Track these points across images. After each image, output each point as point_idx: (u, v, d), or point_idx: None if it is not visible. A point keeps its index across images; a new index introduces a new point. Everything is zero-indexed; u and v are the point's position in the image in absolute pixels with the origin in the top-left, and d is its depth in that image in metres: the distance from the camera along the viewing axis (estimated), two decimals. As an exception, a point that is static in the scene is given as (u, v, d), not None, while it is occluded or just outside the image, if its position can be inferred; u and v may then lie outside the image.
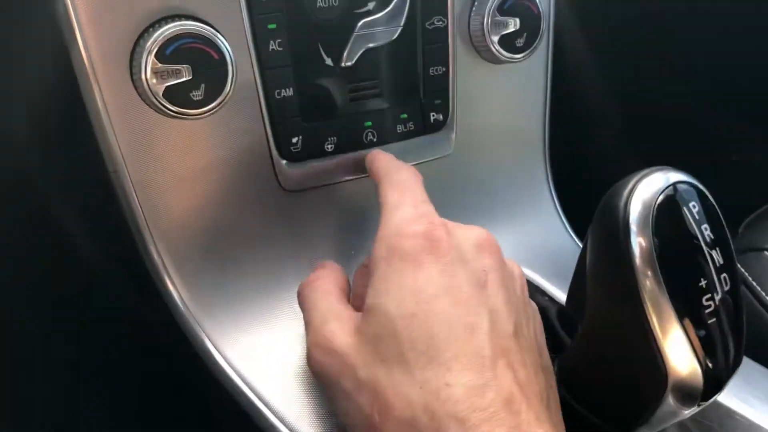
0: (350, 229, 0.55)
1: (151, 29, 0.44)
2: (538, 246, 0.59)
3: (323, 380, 0.40)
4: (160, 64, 0.43)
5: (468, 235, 0.41)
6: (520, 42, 0.55)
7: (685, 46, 0.70)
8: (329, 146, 0.52)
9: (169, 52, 0.43)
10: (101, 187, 0.47)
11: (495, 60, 0.55)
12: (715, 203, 0.37)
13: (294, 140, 0.51)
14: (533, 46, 0.55)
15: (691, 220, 0.36)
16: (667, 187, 0.36)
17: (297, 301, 0.46)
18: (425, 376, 0.35)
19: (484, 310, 0.37)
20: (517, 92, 0.59)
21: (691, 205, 0.36)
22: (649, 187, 0.36)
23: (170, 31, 0.43)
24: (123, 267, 0.53)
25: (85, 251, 0.53)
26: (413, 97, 0.54)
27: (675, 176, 0.37)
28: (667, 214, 0.36)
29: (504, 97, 0.59)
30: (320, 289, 0.44)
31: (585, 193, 0.67)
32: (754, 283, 0.65)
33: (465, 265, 0.39)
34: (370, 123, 0.53)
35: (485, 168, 0.60)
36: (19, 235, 0.53)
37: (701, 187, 0.37)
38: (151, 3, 0.44)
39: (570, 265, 0.55)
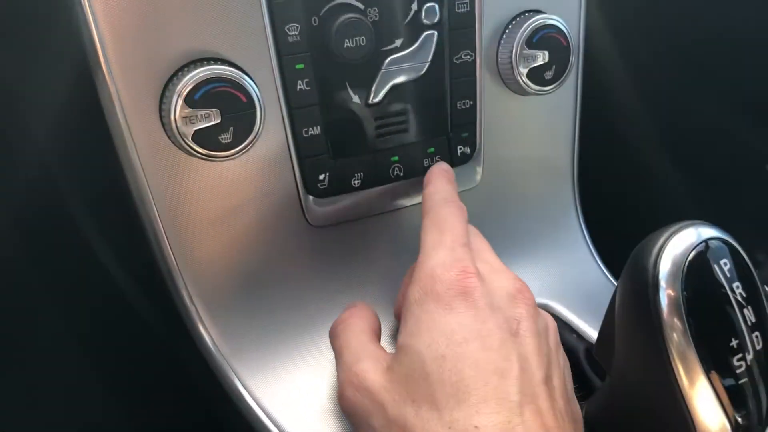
0: (379, 263, 0.55)
1: (180, 73, 0.44)
2: (567, 278, 0.59)
3: (353, 419, 0.41)
4: (189, 109, 0.43)
5: (502, 284, 0.42)
6: (549, 75, 0.54)
7: (736, 71, 0.68)
8: (356, 182, 0.52)
9: (198, 97, 0.44)
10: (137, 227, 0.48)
11: (523, 92, 0.55)
12: (748, 260, 0.36)
13: (321, 177, 0.51)
14: (562, 78, 0.55)
15: (722, 278, 0.35)
16: (698, 244, 0.36)
17: (327, 340, 0.46)
18: (453, 416, 0.35)
19: (514, 356, 0.38)
20: (546, 123, 0.59)
21: (722, 262, 0.35)
22: (680, 244, 0.36)
23: (199, 75, 0.43)
24: (153, 302, 0.54)
25: (117, 285, 0.55)
26: (440, 130, 0.54)
27: (707, 232, 0.36)
28: (697, 271, 0.35)
29: (532, 128, 0.58)
30: (352, 328, 0.44)
31: (616, 223, 0.67)
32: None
33: (497, 312, 0.39)
34: (396, 158, 0.53)
35: (512, 199, 0.59)
36: (50, 265, 0.55)
37: (734, 243, 0.36)
38: (180, 47, 0.44)
39: (599, 298, 0.54)
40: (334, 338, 0.45)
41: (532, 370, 0.38)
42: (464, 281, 0.40)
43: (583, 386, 0.49)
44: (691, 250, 0.35)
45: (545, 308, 0.56)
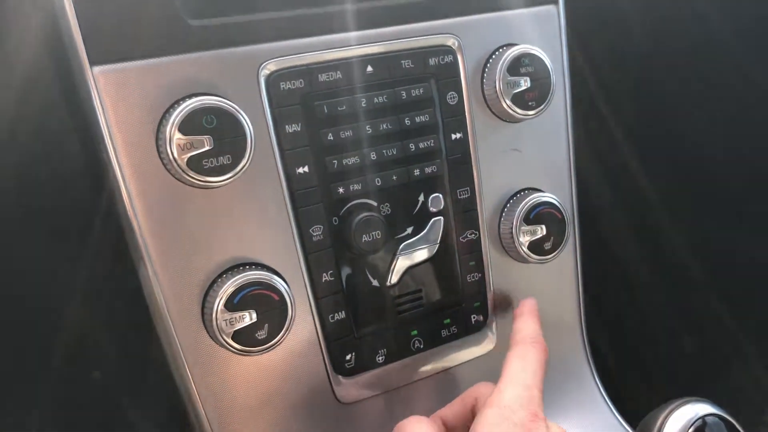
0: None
1: (219, 281, 0.50)
2: (585, 433, 0.62)
3: None
4: (228, 313, 0.49)
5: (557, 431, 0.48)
6: (548, 245, 0.60)
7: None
8: (380, 358, 0.57)
9: (237, 301, 0.49)
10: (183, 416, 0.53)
11: (525, 261, 0.60)
12: (743, 432, 0.40)
13: (348, 357, 0.56)
14: (560, 247, 0.60)
15: (722, 453, 0.39)
16: (695, 421, 0.39)
17: None
18: None
19: None
20: (550, 286, 0.63)
21: (719, 438, 0.39)
22: (678, 422, 0.39)
23: (237, 282, 0.49)
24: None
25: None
26: (454, 302, 0.59)
27: (704, 409, 0.40)
28: (698, 447, 0.39)
29: (537, 291, 0.63)
30: (419, 430, 0.49)
31: (631, 373, 0.70)
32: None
33: None
34: (416, 331, 0.58)
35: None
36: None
37: (729, 418, 0.40)
38: (218, 257, 0.50)
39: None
40: None
41: None
42: (535, 423, 0.46)
43: None
44: (689, 427, 0.39)
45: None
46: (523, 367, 0.50)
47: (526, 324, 0.55)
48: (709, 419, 0.40)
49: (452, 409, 0.53)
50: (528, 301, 0.58)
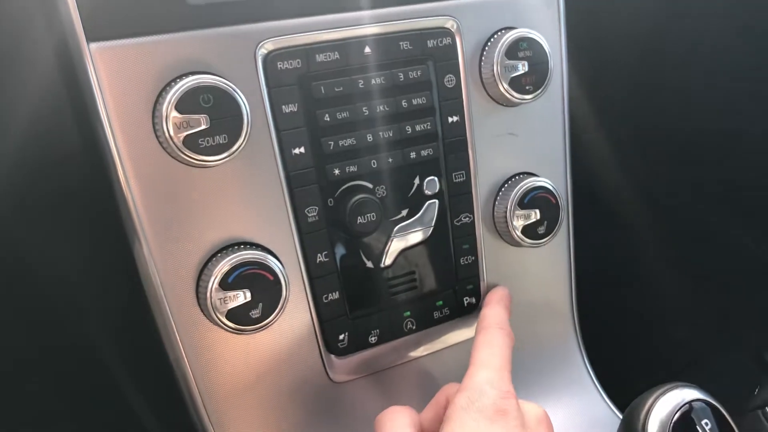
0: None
1: (213, 259, 0.50)
2: (576, 419, 0.62)
3: None
4: (222, 292, 0.49)
5: (531, 409, 0.50)
6: (541, 230, 0.60)
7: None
8: (373, 338, 0.57)
9: (231, 280, 0.49)
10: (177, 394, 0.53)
11: (519, 245, 0.61)
12: (730, 418, 0.40)
13: (341, 337, 0.56)
14: (553, 232, 0.61)
15: (706, 438, 0.39)
16: (682, 406, 0.40)
17: None
18: None
19: None
20: (542, 270, 0.64)
21: (704, 422, 0.40)
22: (665, 406, 0.40)
23: (232, 261, 0.49)
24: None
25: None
26: (447, 285, 0.60)
27: (691, 394, 0.41)
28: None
29: (530, 275, 0.63)
30: (397, 420, 0.50)
31: (619, 352, 0.71)
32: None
33: (528, 430, 0.47)
34: (408, 313, 0.59)
35: (517, 343, 0.63)
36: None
37: (716, 403, 0.41)
38: (213, 235, 0.50)
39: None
40: (379, 427, 0.50)
41: None
42: (506, 401, 0.47)
43: None
44: (676, 412, 0.40)
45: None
46: (491, 352, 0.51)
47: (493, 311, 0.56)
48: (695, 404, 0.40)
49: (428, 415, 0.53)
50: (498, 290, 0.59)
